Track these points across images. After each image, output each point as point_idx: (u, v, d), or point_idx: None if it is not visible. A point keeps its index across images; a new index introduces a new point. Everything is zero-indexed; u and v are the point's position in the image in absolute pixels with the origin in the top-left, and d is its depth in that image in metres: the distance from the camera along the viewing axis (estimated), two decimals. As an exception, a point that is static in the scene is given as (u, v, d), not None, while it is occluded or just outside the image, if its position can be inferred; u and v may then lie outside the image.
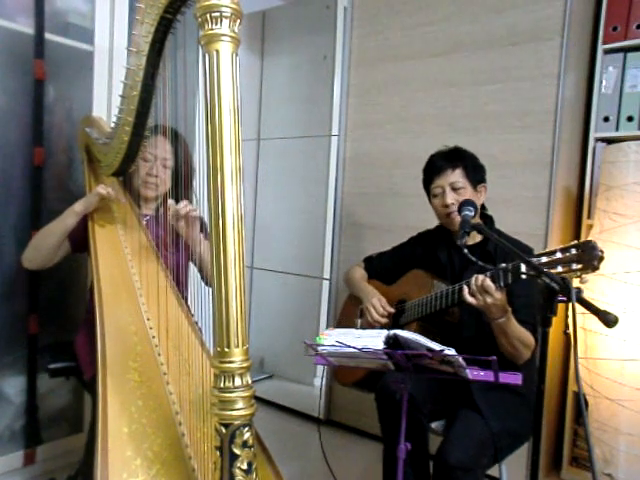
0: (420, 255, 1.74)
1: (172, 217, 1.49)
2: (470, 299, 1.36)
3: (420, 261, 1.73)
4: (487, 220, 1.66)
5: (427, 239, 1.76)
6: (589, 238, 1.98)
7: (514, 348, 1.42)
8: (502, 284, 1.31)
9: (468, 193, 1.57)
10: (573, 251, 1.12)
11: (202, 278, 1.67)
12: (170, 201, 1.49)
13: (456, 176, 1.58)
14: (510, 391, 1.49)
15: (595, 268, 1.10)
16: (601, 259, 1.09)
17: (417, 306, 1.60)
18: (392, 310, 1.69)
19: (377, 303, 1.69)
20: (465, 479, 1.32)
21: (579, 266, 1.11)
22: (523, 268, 1.24)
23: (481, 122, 2.17)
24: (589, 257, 1.09)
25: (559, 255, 1.14)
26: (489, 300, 1.33)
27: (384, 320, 1.67)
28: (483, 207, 1.67)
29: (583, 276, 1.12)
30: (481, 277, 1.34)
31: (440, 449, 1.38)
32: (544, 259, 1.16)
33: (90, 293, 1.63)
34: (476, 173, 1.60)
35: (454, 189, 1.58)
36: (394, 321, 1.70)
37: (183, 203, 1.50)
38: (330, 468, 1.67)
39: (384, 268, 1.85)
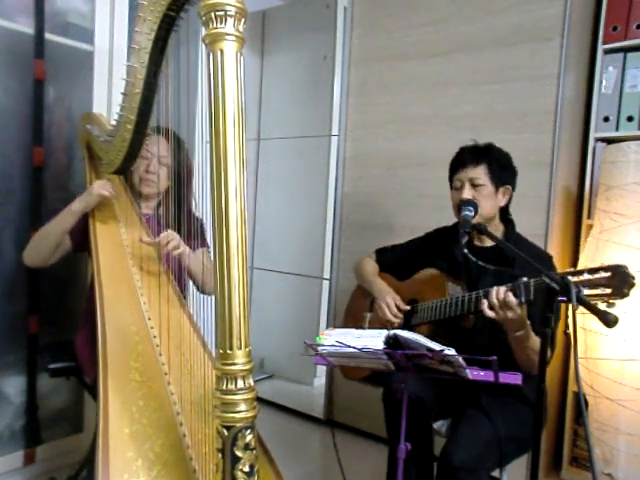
0: (436, 252, 1.68)
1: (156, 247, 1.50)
2: (490, 313, 1.31)
3: (435, 258, 1.67)
4: (508, 224, 1.61)
5: (444, 235, 1.70)
6: (589, 238, 2.01)
7: (530, 359, 1.37)
8: (523, 300, 1.25)
9: (487, 192, 1.52)
10: (602, 273, 1.05)
11: (198, 289, 1.68)
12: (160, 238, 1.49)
13: (478, 172, 1.52)
14: (517, 397, 1.47)
15: (624, 295, 1.02)
16: (632, 286, 1.01)
17: (430, 309, 1.56)
18: (407, 308, 1.64)
19: (392, 302, 1.64)
20: (469, 480, 1.32)
21: (607, 291, 1.03)
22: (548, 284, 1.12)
23: (481, 122, 2.17)
24: (619, 283, 1.02)
25: (586, 276, 1.07)
26: (510, 315, 1.28)
27: (397, 320, 1.62)
28: (507, 211, 1.62)
29: (611, 301, 1.04)
30: (502, 290, 1.28)
31: (444, 449, 1.37)
32: (571, 278, 1.06)
33: (90, 290, 1.63)
34: (501, 173, 1.53)
35: (473, 185, 1.52)
36: (405, 321, 1.65)
37: (166, 238, 1.49)
38: (342, 468, 1.66)
39: (397, 262, 1.79)
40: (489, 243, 1.57)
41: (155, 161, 1.67)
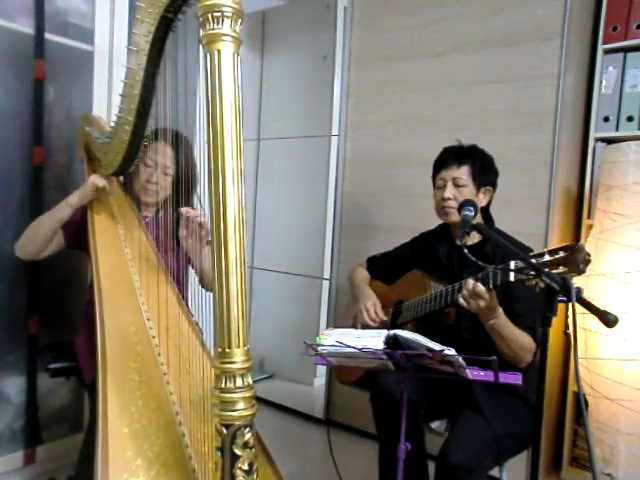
0: (421, 255, 1.74)
1: (183, 223, 1.47)
2: (463, 303, 1.36)
3: (421, 261, 1.73)
4: (487, 221, 1.65)
5: (428, 239, 1.77)
6: (589, 238, 2.01)
7: (512, 351, 1.41)
8: (491, 286, 1.31)
9: (469, 192, 1.56)
10: (561, 253, 1.11)
11: (202, 285, 1.67)
12: (183, 209, 1.47)
13: (461, 172, 1.57)
14: (513, 394, 1.48)
15: (581, 271, 1.09)
16: (587, 262, 1.08)
17: (413, 307, 1.61)
18: (384, 318, 1.70)
19: (371, 307, 1.70)
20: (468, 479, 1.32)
21: (565, 269, 1.10)
22: (512, 266, 1.22)
23: (481, 122, 2.17)
24: (575, 260, 1.09)
25: (547, 257, 1.13)
26: (482, 304, 1.33)
27: (374, 324, 1.68)
28: (487, 210, 1.66)
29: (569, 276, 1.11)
30: (471, 282, 1.33)
31: (442, 449, 1.38)
32: (533, 261, 1.14)
33: (90, 291, 1.63)
34: (484, 175, 1.58)
35: (456, 185, 1.57)
36: (392, 321, 1.71)
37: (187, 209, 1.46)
38: (337, 468, 1.67)
39: (386, 268, 1.85)
40: (472, 241, 1.60)
41: (159, 171, 1.66)
